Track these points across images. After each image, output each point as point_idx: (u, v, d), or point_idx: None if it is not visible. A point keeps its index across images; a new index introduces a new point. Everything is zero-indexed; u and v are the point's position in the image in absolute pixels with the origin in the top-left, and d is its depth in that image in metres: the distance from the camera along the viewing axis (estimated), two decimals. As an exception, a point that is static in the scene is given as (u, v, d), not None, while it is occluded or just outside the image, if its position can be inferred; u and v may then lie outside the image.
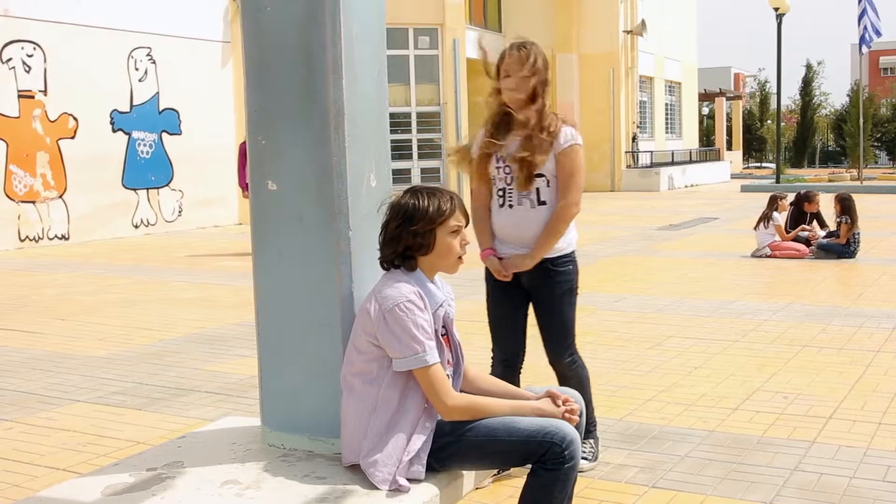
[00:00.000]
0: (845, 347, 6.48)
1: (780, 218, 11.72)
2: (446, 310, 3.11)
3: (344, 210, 3.24)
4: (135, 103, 16.66)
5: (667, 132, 34.66)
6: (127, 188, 16.51)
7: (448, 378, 3.01)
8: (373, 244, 3.37)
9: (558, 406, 3.03)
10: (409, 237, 3.03)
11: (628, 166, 29.33)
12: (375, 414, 2.97)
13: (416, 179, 20.43)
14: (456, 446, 2.98)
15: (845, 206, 11.30)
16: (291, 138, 3.30)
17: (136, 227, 16.65)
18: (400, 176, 19.50)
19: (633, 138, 29.94)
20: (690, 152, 34.97)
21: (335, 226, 3.24)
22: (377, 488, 2.90)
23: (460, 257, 3.12)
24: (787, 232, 11.88)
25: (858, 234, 11.40)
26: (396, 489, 2.88)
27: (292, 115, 3.30)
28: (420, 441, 2.95)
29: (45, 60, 15.08)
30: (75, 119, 15.58)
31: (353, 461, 3.05)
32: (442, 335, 3.07)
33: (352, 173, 3.27)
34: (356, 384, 3.02)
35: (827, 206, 12.42)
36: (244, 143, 11.91)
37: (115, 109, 16.32)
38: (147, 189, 16.90)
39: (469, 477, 3.21)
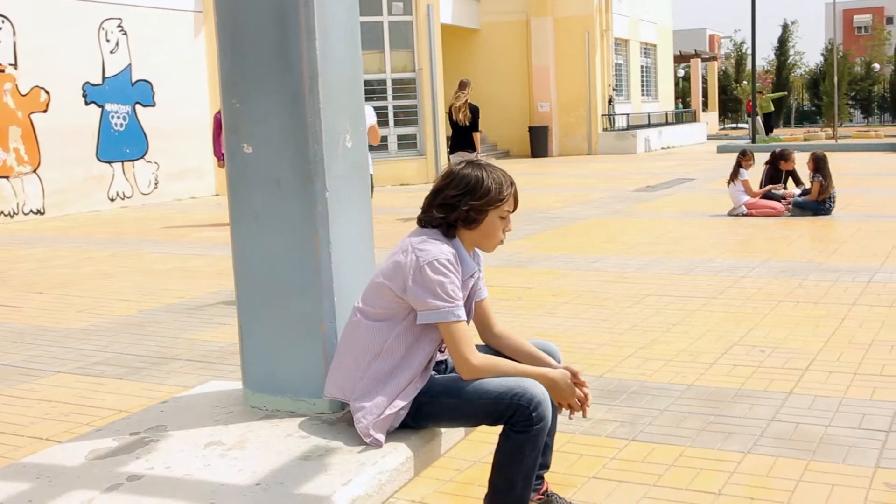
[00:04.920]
0: (821, 301, 6.55)
1: (747, 174, 11.82)
2: (475, 282, 3.13)
3: (320, 171, 3.25)
4: (107, 75, 16.49)
5: (643, 94, 34.67)
6: (101, 161, 16.38)
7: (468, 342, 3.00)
8: (349, 204, 3.38)
9: (573, 384, 3.00)
10: (464, 210, 3.02)
11: (605, 129, 29.35)
12: (378, 360, 3.00)
13: (392, 147, 20.37)
14: (430, 407, 3.02)
15: (818, 165, 11.38)
16: (266, 100, 3.30)
17: (112, 200, 16.54)
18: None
19: (610, 101, 29.93)
20: (666, 114, 35.02)
21: (312, 187, 3.25)
22: (356, 444, 2.94)
23: (501, 241, 3.14)
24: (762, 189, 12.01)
25: (834, 192, 11.51)
26: (372, 442, 2.93)
27: (266, 76, 3.29)
28: (407, 399, 2.98)
29: (14, 34, 14.88)
30: (47, 92, 15.41)
31: (339, 397, 3.08)
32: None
33: (327, 134, 3.28)
34: (365, 325, 3.04)
35: (803, 164, 12.49)
36: (219, 112, 11.85)
37: (88, 82, 16.15)
38: (122, 162, 16.77)
39: (448, 434, 3.24)
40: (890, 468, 3.57)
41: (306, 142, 3.24)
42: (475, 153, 12.33)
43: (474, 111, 12.46)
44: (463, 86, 12.54)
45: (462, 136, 12.55)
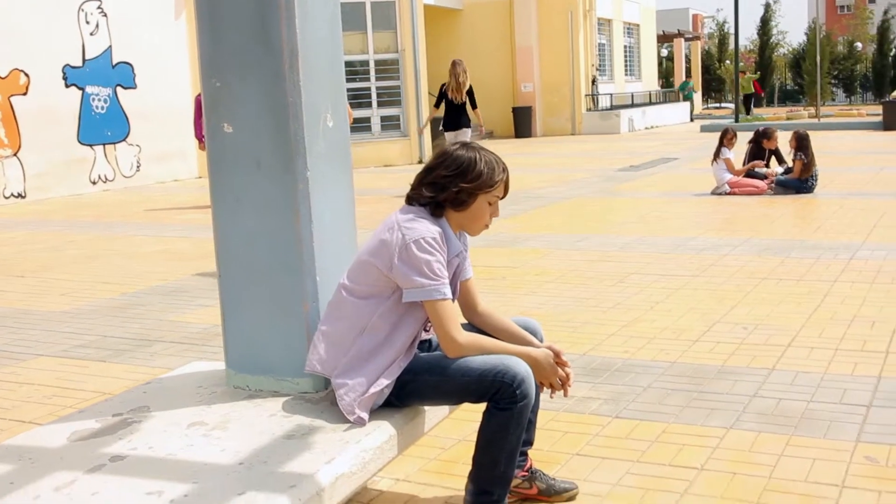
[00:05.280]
0: (803, 279, 6.59)
1: (730, 153, 11.86)
2: (460, 261, 3.12)
3: (301, 151, 3.23)
4: (87, 58, 16.37)
5: (626, 74, 34.66)
6: (83, 144, 16.28)
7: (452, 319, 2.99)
8: (331, 184, 3.37)
9: (555, 363, 3.01)
10: (453, 191, 3.01)
11: (588, 109, 29.35)
12: (362, 338, 2.99)
13: (375, 128, 20.32)
14: (414, 384, 3.01)
15: (801, 144, 11.42)
16: (246, 80, 3.28)
17: (94, 183, 16.45)
18: (360, 124, 19.38)
19: (593, 81, 29.92)
20: (650, 94, 35.03)
21: (293, 167, 3.23)
22: (340, 423, 2.94)
23: (487, 225, 3.14)
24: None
25: (817, 170, 11.55)
26: (356, 420, 2.93)
27: (246, 56, 3.26)
28: (391, 377, 2.98)
29: (-8, 15, 14.76)
30: (27, 75, 15.29)
31: (320, 372, 3.08)
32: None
33: (308, 113, 3.26)
34: (349, 302, 3.03)
35: (786, 143, 12.53)
36: (199, 95, 11.79)
37: (68, 64, 16.02)
38: (104, 145, 16.67)
39: (432, 412, 3.24)
40: (870, 442, 3.60)
41: (286, 121, 3.22)
42: (480, 128, 13.11)
43: (469, 90, 12.78)
44: (461, 65, 12.76)
45: (457, 113, 12.77)
